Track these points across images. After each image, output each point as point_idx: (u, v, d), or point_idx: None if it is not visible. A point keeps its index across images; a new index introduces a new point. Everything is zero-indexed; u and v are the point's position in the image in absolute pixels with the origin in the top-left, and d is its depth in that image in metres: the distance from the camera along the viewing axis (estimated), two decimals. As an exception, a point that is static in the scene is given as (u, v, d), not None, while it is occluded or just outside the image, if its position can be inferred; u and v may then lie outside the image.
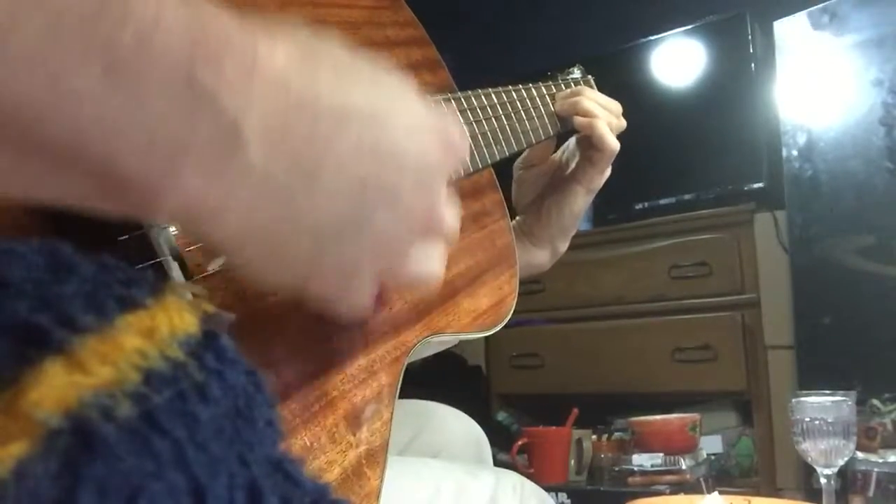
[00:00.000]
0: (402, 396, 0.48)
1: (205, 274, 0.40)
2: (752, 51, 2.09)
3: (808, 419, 1.00)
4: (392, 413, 0.46)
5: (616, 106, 0.79)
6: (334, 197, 0.30)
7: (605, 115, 0.76)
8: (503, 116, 0.70)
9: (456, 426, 0.88)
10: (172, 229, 0.38)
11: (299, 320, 0.44)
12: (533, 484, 0.67)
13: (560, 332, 2.22)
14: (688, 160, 2.19)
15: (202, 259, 0.40)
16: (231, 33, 0.26)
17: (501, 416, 2.30)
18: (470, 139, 0.64)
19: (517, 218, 0.82)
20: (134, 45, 0.23)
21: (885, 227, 1.68)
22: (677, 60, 2.23)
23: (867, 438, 1.48)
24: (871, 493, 1.44)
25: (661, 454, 1.74)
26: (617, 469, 1.82)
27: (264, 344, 0.41)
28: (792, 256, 1.83)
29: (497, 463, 1.01)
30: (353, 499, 0.40)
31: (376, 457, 0.43)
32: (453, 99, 0.64)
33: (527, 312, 2.23)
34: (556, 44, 2.60)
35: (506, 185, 0.78)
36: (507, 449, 1.93)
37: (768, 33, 1.94)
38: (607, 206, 2.25)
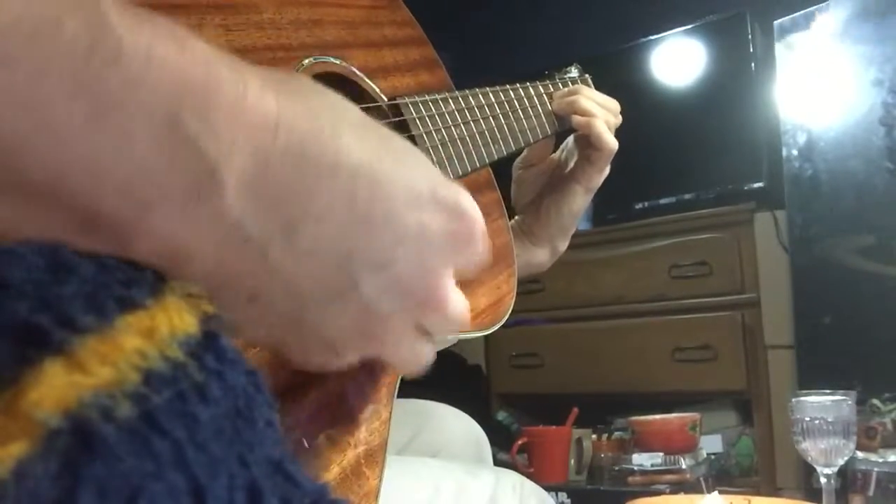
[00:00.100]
0: (401, 396, 0.48)
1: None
2: (752, 51, 2.09)
3: (808, 419, 1.00)
4: (391, 412, 0.46)
5: (614, 104, 0.79)
6: (315, 257, 0.28)
7: (602, 114, 0.76)
8: (501, 115, 0.70)
9: (456, 426, 0.89)
10: None
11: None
12: (533, 483, 0.67)
13: (560, 331, 2.22)
14: (688, 160, 2.19)
15: None
16: (222, 76, 0.25)
17: (501, 415, 2.30)
18: (469, 142, 0.65)
19: (516, 217, 0.82)
20: (122, 86, 0.23)
21: (885, 227, 1.68)
22: (677, 60, 2.23)
23: (867, 438, 1.48)
24: (871, 492, 1.44)
25: (661, 454, 1.74)
26: (617, 469, 1.82)
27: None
28: (792, 256, 1.83)
29: (497, 462, 1.01)
30: (352, 498, 0.40)
31: (375, 456, 0.43)
32: (451, 98, 0.64)
33: (526, 312, 2.23)
34: (555, 44, 2.60)
35: (505, 184, 0.78)
36: (507, 449, 1.93)
37: (768, 33, 1.94)
38: (607, 206, 2.25)
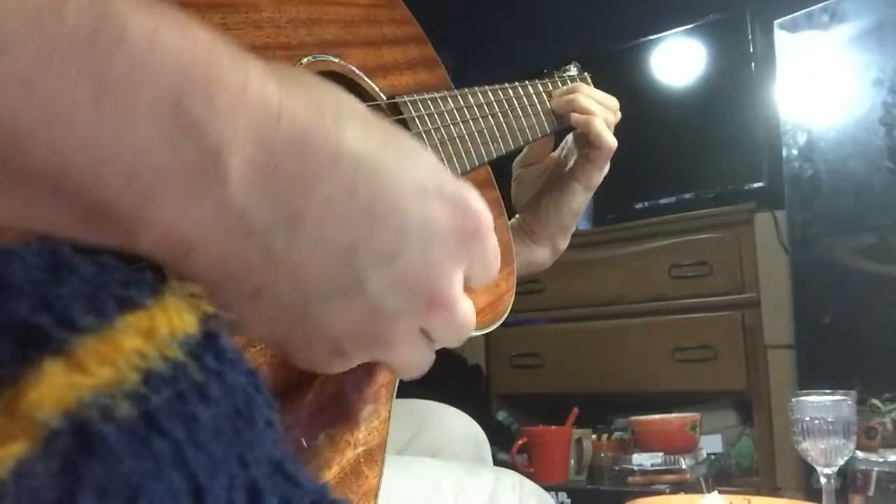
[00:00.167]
0: (401, 396, 0.48)
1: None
2: (752, 51, 2.09)
3: (808, 419, 1.00)
4: (390, 412, 0.46)
5: (613, 102, 0.79)
6: (319, 248, 0.27)
7: (601, 112, 0.76)
8: (500, 114, 0.70)
9: (456, 426, 0.89)
10: None
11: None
12: (532, 483, 0.67)
13: (560, 331, 2.22)
14: (688, 160, 2.19)
15: None
16: (224, 64, 0.25)
17: (501, 415, 2.30)
18: (468, 140, 0.65)
19: (516, 216, 0.82)
20: (126, 71, 0.22)
21: (885, 226, 1.68)
22: (677, 60, 2.23)
23: (867, 438, 1.48)
24: (871, 492, 1.44)
25: (661, 454, 1.74)
26: (617, 468, 1.82)
27: (262, 344, 0.41)
28: (792, 256, 1.83)
29: (497, 462, 1.01)
30: (352, 497, 0.40)
31: (374, 456, 0.43)
32: (450, 97, 0.64)
33: (527, 312, 2.23)
34: (556, 43, 2.60)
35: (504, 183, 0.78)
36: (507, 448, 1.93)
37: (768, 33, 1.94)
38: (607, 206, 2.25)
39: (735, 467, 1.93)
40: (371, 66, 0.58)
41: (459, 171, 0.62)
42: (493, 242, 0.33)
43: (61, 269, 0.23)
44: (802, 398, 1.03)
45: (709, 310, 1.98)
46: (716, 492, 0.91)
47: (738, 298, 1.95)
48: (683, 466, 1.72)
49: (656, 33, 2.27)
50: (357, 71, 0.57)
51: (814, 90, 1.81)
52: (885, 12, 1.70)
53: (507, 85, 0.73)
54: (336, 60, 0.55)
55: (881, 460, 1.45)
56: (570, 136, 0.82)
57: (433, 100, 0.62)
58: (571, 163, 0.80)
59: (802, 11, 1.83)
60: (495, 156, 0.69)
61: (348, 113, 0.28)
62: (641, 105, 2.06)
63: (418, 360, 0.33)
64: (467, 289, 0.33)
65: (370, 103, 0.57)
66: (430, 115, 0.60)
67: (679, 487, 1.66)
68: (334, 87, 0.29)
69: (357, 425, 0.43)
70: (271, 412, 0.26)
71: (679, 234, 2.05)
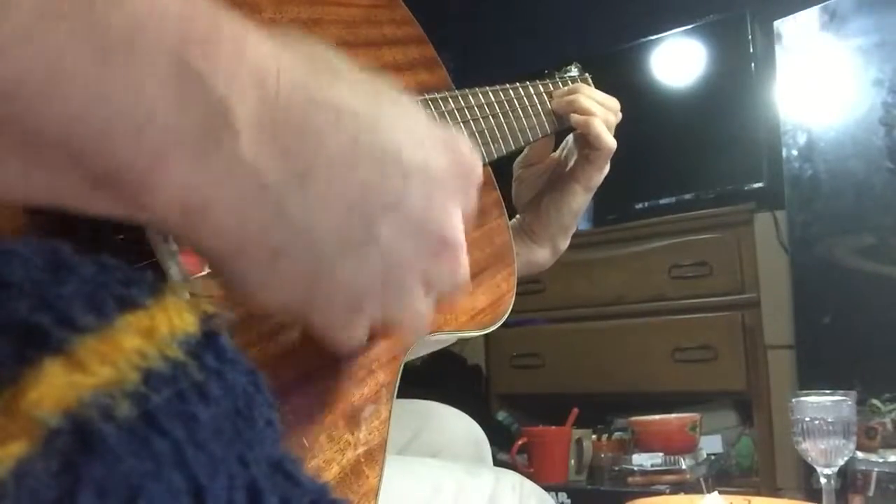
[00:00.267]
0: (402, 396, 0.48)
1: (203, 273, 0.40)
2: (752, 51, 2.09)
3: (808, 419, 1.00)
4: (390, 412, 0.46)
5: (614, 103, 0.79)
6: (329, 201, 0.28)
7: (602, 113, 0.76)
8: (500, 115, 0.70)
9: (456, 426, 0.89)
10: None
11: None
12: (532, 483, 0.67)
13: (560, 332, 2.22)
14: (688, 160, 2.19)
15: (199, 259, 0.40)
16: (223, 21, 0.25)
17: (501, 415, 2.30)
18: (467, 136, 0.65)
19: (517, 216, 0.82)
20: (127, 27, 0.23)
21: (885, 227, 1.68)
22: (677, 60, 2.23)
23: (867, 438, 1.48)
24: (871, 492, 1.44)
25: (661, 454, 1.74)
26: (617, 469, 1.82)
27: (263, 343, 0.41)
28: (792, 256, 1.83)
29: (497, 463, 1.01)
30: (352, 497, 0.40)
31: (375, 456, 0.43)
32: (450, 97, 0.64)
33: (527, 312, 2.23)
34: (556, 43, 2.60)
35: (505, 183, 0.78)
36: (507, 449, 1.93)
37: (768, 33, 1.94)
38: (607, 206, 2.25)
39: (735, 467, 1.93)
40: (372, 66, 0.58)
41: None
42: (480, 167, 0.35)
43: (61, 268, 0.23)
44: (802, 398, 1.03)
45: (709, 310, 1.98)
46: (716, 492, 0.91)
47: (738, 299, 1.95)
48: (683, 467, 1.72)
49: (656, 33, 2.27)
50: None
51: (814, 90, 1.81)
52: (884, 13, 1.70)
53: (507, 85, 0.73)
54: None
55: (881, 460, 1.45)
56: (570, 137, 0.82)
57: (434, 100, 0.62)
58: (572, 163, 0.80)
59: (802, 11, 1.83)
60: (496, 156, 0.69)
61: (342, 70, 0.29)
62: (641, 105, 2.06)
63: (422, 314, 0.34)
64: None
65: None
66: (431, 116, 0.60)
67: (679, 488, 1.66)
68: (326, 47, 0.30)
69: (356, 422, 0.43)
70: (271, 412, 0.26)
71: (679, 234, 2.05)
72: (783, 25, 1.86)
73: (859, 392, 1.09)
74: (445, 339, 0.58)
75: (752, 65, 2.09)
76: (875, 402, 1.55)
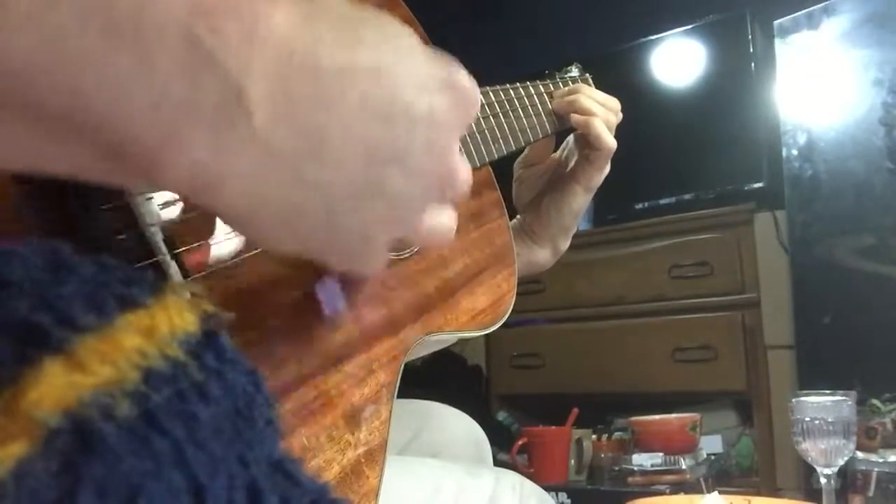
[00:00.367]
0: (402, 396, 0.48)
1: (203, 273, 0.40)
2: (752, 51, 2.09)
3: (808, 419, 1.00)
4: (391, 412, 0.46)
5: (614, 103, 0.79)
6: (343, 162, 0.29)
7: (602, 113, 0.76)
8: (501, 115, 0.70)
9: (456, 426, 0.88)
10: (157, 202, 0.38)
11: (298, 319, 0.44)
12: (532, 483, 0.67)
13: (560, 332, 2.22)
14: (688, 160, 2.19)
15: (190, 237, 0.40)
16: None
17: (501, 416, 2.30)
18: (469, 141, 0.65)
19: (517, 217, 0.82)
20: (135, 6, 0.23)
21: (885, 227, 1.68)
22: (677, 60, 2.23)
23: (867, 438, 1.48)
24: (871, 492, 1.44)
25: (661, 454, 1.74)
26: (617, 469, 1.82)
27: (263, 343, 0.41)
28: (792, 256, 1.83)
29: (497, 463, 1.01)
30: (352, 497, 0.40)
31: (375, 456, 0.43)
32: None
33: (527, 312, 2.23)
34: (556, 43, 2.60)
35: (506, 184, 0.78)
36: (507, 449, 1.93)
37: (768, 33, 1.94)
38: (607, 206, 2.25)
39: (735, 468, 1.93)
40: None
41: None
42: (477, 96, 0.36)
43: (61, 268, 0.23)
44: (802, 398, 1.03)
45: (709, 310, 1.98)
46: (716, 492, 0.91)
47: (738, 299, 1.95)
48: (683, 467, 1.72)
49: (656, 34, 2.27)
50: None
51: (814, 90, 1.81)
52: (884, 13, 1.70)
53: (507, 86, 0.73)
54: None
55: (881, 460, 1.45)
56: (570, 137, 0.82)
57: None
58: (572, 164, 0.80)
59: (802, 11, 1.83)
60: (497, 156, 0.69)
61: (346, 22, 0.29)
62: (642, 105, 2.06)
63: (442, 227, 0.36)
64: None
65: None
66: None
67: (679, 488, 1.66)
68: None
69: (357, 422, 0.43)
70: (271, 412, 0.26)
71: (679, 234, 2.05)
72: (783, 25, 1.86)
73: (859, 392, 1.09)
74: (446, 339, 0.58)
75: (752, 65, 2.08)
76: (875, 402, 1.55)
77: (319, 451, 0.40)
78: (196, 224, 0.40)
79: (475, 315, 0.60)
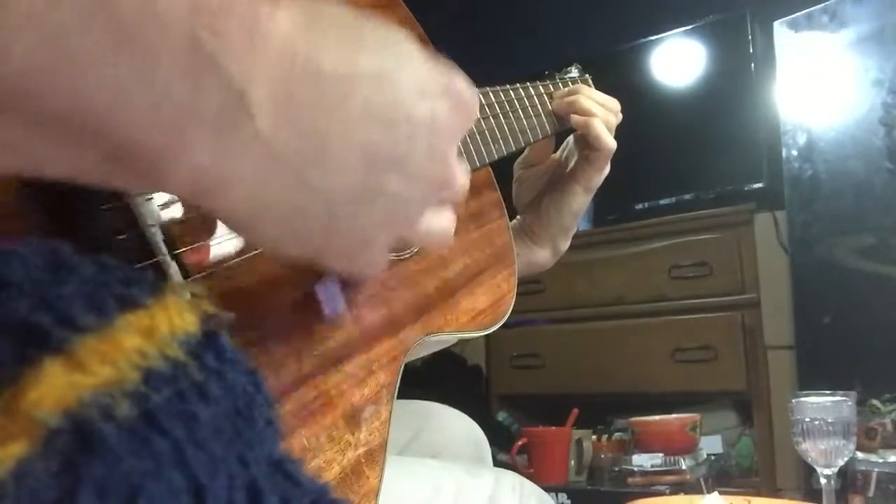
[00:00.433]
0: (402, 396, 0.48)
1: (203, 273, 0.40)
2: (752, 51, 2.09)
3: (808, 419, 1.00)
4: (391, 412, 0.46)
5: (614, 104, 0.79)
6: (344, 166, 0.29)
7: (602, 113, 0.76)
8: (501, 115, 0.70)
9: (456, 426, 0.88)
10: (157, 203, 0.38)
11: (298, 319, 0.44)
12: (532, 484, 0.67)
13: (560, 332, 2.22)
14: (688, 160, 2.19)
15: (190, 237, 0.40)
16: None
17: (501, 416, 2.30)
18: (469, 141, 0.65)
19: (518, 217, 0.82)
20: (137, 7, 0.23)
21: (885, 227, 1.68)
22: (677, 60, 2.23)
23: (867, 438, 1.48)
24: (871, 493, 1.44)
25: (661, 454, 1.74)
26: (617, 469, 1.82)
27: (263, 343, 0.41)
28: (792, 256, 1.83)
29: (497, 463, 1.01)
30: (352, 498, 0.40)
31: (375, 456, 0.43)
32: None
33: (527, 312, 2.23)
34: (556, 44, 2.60)
35: (506, 184, 0.78)
36: (507, 449, 1.93)
37: (768, 33, 1.94)
38: (607, 206, 2.25)
39: (735, 468, 1.93)
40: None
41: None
42: (476, 103, 0.36)
43: (61, 268, 0.23)
44: (802, 399, 1.03)
45: (709, 310, 1.98)
46: (716, 492, 0.91)
47: (738, 299, 1.95)
48: (683, 467, 1.72)
49: (656, 34, 2.27)
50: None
51: (814, 90, 1.81)
52: (884, 13, 1.70)
53: (507, 86, 0.73)
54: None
55: (881, 461, 1.45)
56: (570, 138, 0.82)
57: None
58: (572, 164, 0.80)
59: (802, 12, 1.83)
60: (496, 157, 0.69)
61: (348, 28, 0.30)
62: (642, 106, 2.06)
63: (442, 227, 0.36)
64: None
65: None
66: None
67: (679, 488, 1.66)
68: (334, 5, 0.30)
69: (357, 423, 0.43)
70: (271, 412, 0.26)
71: (679, 234, 2.05)
72: (783, 25, 1.86)
73: (859, 392, 1.09)
74: (446, 339, 0.58)
75: (752, 65, 2.08)
76: (875, 402, 1.55)
77: (319, 452, 0.40)
78: (196, 224, 0.40)
79: (475, 315, 0.60)
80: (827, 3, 1.79)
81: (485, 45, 2.82)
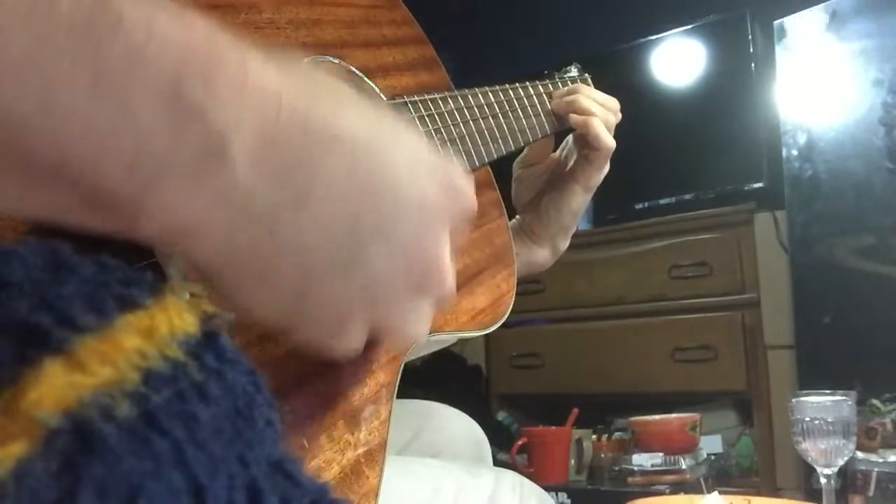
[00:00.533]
0: (402, 396, 0.48)
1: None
2: (752, 51, 2.09)
3: (808, 419, 1.00)
4: (390, 412, 0.46)
5: (614, 103, 0.79)
6: (323, 224, 0.28)
7: (601, 113, 0.76)
8: (500, 115, 0.70)
9: (456, 426, 0.89)
10: None
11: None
12: (532, 483, 0.67)
13: (560, 332, 2.22)
14: (688, 160, 2.19)
15: None
16: (223, 49, 0.25)
17: (501, 416, 2.30)
18: (469, 141, 0.65)
19: (517, 217, 0.82)
20: (124, 57, 0.22)
21: (885, 227, 1.68)
22: (677, 60, 2.23)
23: (867, 438, 1.48)
24: (871, 492, 1.44)
25: (661, 454, 1.74)
26: (617, 469, 1.82)
27: (262, 344, 0.41)
28: (792, 256, 1.83)
29: (497, 463, 1.01)
30: (352, 497, 0.40)
31: (375, 456, 0.43)
32: (450, 97, 0.64)
33: (527, 312, 2.23)
34: (555, 43, 2.60)
35: (505, 183, 0.78)
36: (507, 449, 1.93)
37: (768, 33, 1.94)
38: (607, 206, 2.25)
39: (735, 467, 1.93)
40: (371, 67, 0.58)
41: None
42: (473, 198, 0.35)
43: (61, 268, 0.23)
44: (802, 398, 1.03)
45: (709, 310, 1.98)
46: (716, 492, 0.91)
47: (738, 299, 1.95)
48: (683, 467, 1.72)
49: (656, 33, 2.27)
50: (357, 72, 0.57)
51: (814, 90, 1.81)
52: (885, 13, 1.70)
53: (507, 86, 0.73)
54: (336, 62, 0.55)
55: (881, 460, 1.45)
56: (570, 137, 0.82)
57: (434, 101, 0.62)
58: (571, 163, 0.80)
59: (802, 12, 1.83)
60: (496, 156, 0.69)
61: (342, 97, 0.29)
62: (641, 105, 2.06)
63: (419, 321, 0.34)
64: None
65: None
66: (431, 116, 0.60)
67: (679, 488, 1.66)
68: (326, 74, 0.30)
69: (356, 423, 0.43)
70: (271, 412, 0.26)
71: (679, 234, 2.05)
72: (783, 25, 1.86)
73: (859, 392, 1.09)
74: (446, 339, 0.58)
75: (752, 65, 2.08)
76: (875, 402, 1.55)
77: (319, 452, 0.40)
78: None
79: (475, 315, 0.60)
80: (827, 2, 1.79)
81: (485, 45, 2.82)
